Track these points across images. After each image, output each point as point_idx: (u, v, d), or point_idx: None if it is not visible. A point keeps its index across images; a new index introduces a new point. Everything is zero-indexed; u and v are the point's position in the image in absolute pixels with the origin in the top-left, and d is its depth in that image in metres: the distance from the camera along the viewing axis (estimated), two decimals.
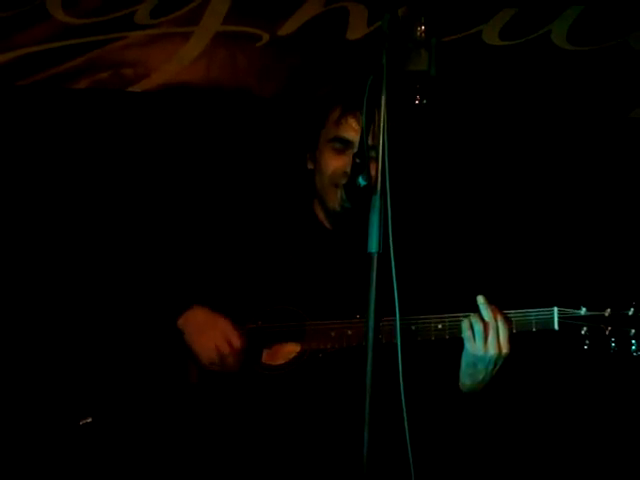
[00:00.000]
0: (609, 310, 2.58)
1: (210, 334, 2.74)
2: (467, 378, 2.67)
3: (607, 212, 3.66)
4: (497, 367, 2.62)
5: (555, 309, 2.60)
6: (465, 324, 2.61)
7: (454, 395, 2.69)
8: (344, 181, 2.67)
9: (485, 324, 2.59)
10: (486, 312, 2.59)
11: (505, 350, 2.59)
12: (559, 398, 3.63)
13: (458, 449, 3.43)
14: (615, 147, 3.69)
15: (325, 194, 2.82)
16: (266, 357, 2.79)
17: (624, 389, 3.56)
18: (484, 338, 2.58)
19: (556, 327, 2.60)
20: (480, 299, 2.61)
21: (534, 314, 2.61)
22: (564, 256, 3.64)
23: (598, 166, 3.69)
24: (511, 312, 2.62)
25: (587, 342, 2.58)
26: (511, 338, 2.60)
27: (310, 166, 2.90)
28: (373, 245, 2.21)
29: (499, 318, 2.59)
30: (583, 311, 2.59)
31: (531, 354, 3.39)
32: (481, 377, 2.64)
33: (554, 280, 3.50)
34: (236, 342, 2.73)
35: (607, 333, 2.57)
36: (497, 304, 2.62)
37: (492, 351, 2.59)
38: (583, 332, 2.58)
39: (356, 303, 2.45)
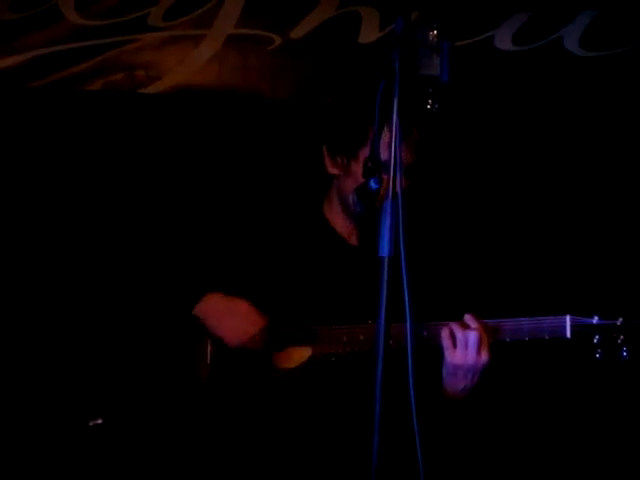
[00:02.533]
0: (621, 319, 2.57)
1: (235, 318, 2.76)
2: (448, 386, 2.68)
3: (621, 220, 3.65)
4: (477, 376, 2.63)
5: (567, 317, 2.60)
6: (444, 333, 2.62)
7: (439, 403, 2.69)
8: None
9: (465, 334, 2.60)
10: (468, 321, 2.61)
11: (485, 359, 2.60)
12: (570, 406, 3.62)
13: (465, 454, 3.42)
14: (630, 154, 3.68)
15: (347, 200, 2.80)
16: (278, 360, 2.79)
17: (636, 398, 3.56)
18: (464, 348, 2.59)
19: (568, 335, 2.60)
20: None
21: (547, 322, 2.61)
22: (577, 264, 3.63)
23: (612, 173, 3.68)
24: (524, 319, 2.62)
25: (599, 351, 2.58)
26: (491, 347, 2.60)
27: (334, 171, 2.84)
28: (384, 249, 2.20)
29: (479, 327, 2.60)
30: (595, 320, 2.59)
31: (543, 362, 3.39)
32: (462, 386, 2.65)
33: (566, 288, 3.49)
34: (260, 321, 2.75)
35: (619, 342, 2.56)
36: (510, 311, 2.63)
37: (471, 361, 2.60)
38: (595, 341, 2.58)
39: (369, 308, 2.45)
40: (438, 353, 2.65)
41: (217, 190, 3.60)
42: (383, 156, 2.60)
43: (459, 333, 2.60)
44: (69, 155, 3.66)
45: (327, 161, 2.85)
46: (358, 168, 2.77)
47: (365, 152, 2.75)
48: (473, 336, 2.59)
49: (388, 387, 2.15)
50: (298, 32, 3.70)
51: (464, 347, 2.60)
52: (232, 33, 3.69)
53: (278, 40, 3.70)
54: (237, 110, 3.70)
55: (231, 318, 2.77)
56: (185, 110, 3.69)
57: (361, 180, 2.73)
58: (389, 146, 2.20)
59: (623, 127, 3.69)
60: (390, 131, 2.19)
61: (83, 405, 3.28)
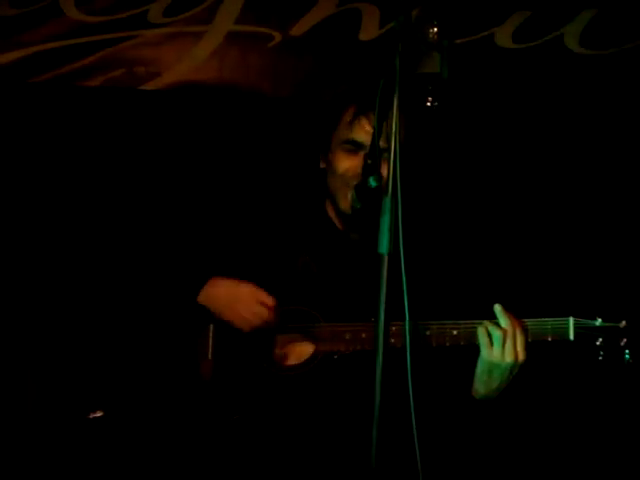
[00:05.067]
0: (624, 322, 2.58)
1: (242, 304, 2.75)
2: (481, 385, 2.67)
3: (624, 223, 3.65)
4: (512, 375, 2.63)
5: (571, 319, 2.60)
6: (482, 330, 2.61)
7: (466, 402, 2.69)
8: (356, 182, 2.66)
9: (503, 331, 2.59)
10: (504, 319, 2.60)
11: (521, 357, 2.60)
12: (573, 408, 3.62)
13: (469, 455, 3.42)
14: (631, 153, 3.68)
15: (337, 195, 2.82)
16: (279, 357, 2.79)
17: (638, 401, 3.55)
18: (502, 345, 2.59)
19: (572, 337, 2.60)
20: (497, 307, 2.62)
21: (550, 324, 2.61)
22: (580, 266, 3.63)
23: (615, 174, 3.67)
24: (527, 321, 2.62)
25: (602, 353, 2.58)
26: (527, 346, 2.60)
27: (323, 165, 2.90)
28: (384, 246, 2.21)
29: (516, 325, 2.60)
30: (598, 322, 2.59)
31: (546, 364, 3.39)
32: (496, 385, 2.65)
33: (570, 290, 3.49)
34: (268, 301, 2.74)
35: (622, 345, 2.57)
36: (513, 312, 2.62)
37: (509, 358, 2.59)
38: (598, 343, 2.58)
39: (371, 305, 2.45)
40: (469, 354, 2.64)
41: (218, 187, 3.60)
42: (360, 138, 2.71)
43: (496, 331, 2.60)
44: (69, 151, 3.66)
45: (320, 158, 2.91)
46: (334, 156, 2.80)
47: (338, 135, 2.78)
48: (510, 333, 2.59)
49: (390, 386, 2.15)
50: (298, 29, 3.70)
51: (501, 345, 2.59)
52: (232, 30, 3.69)
53: (278, 37, 3.70)
54: (237, 107, 3.70)
55: (239, 302, 2.76)
56: (185, 107, 3.69)
57: (338, 169, 2.78)
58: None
59: (624, 126, 3.69)
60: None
61: (83, 397, 3.27)
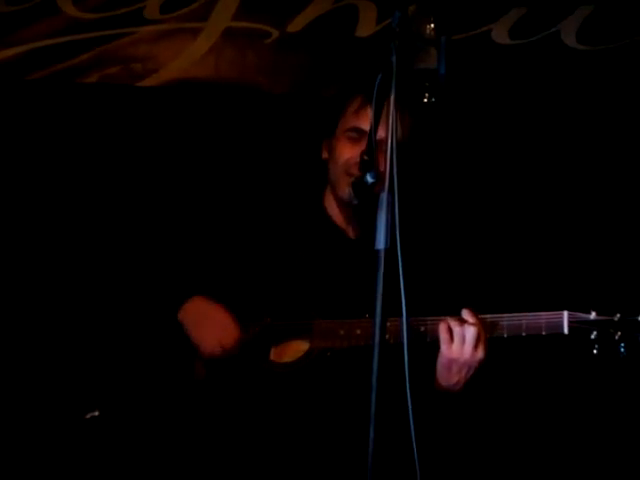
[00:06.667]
0: (619, 315, 2.57)
1: (209, 328, 2.74)
2: (442, 380, 2.68)
3: (618, 216, 3.65)
4: (471, 372, 2.63)
5: (565, 313, 2.60)
6: (442, 326, 2.62)
7: (430, 394, 2.69)
8: (356, 170, 2.64)
9: (463, 328, 2.60)
10: (466, 316, 2.61)
11: (480, 355, 2.60)
12: (567, 402, 3.62)
13: (459, 448, 3.43)
14: (627, 149, 3.68)
15: (337, 183, 2.82)
16: (274, 354, 2.79)
17: (633, 394, 3.56)
18: (461, 342, 2.60)
19: (566, 331, 2.59)
20: (464, 310, 2.62)
21: (544, 317, 2.61)
22: (575, 260, 3.63)
23: (610, 169, 3.67)
24: (521, 315, 2.62)
25: (596, 347, 2.58)
26: (487, 344, 2.61)
27: (325, 155, 2.90)
28: (380, 242, 2.21)
29: (477, 322, 2.60)
30: (593, 315, 2.59)
31: (540, 358, 3.39)
32: (455, 380, 2.65)
33: (564, 284, 3.49)
34: (234, 332, 2.73)
35: (617, 338, 2.56)
36: (507, 306, 2.63)
37: (467, 355, 2.60)
38: (593, 337, 2.58)
39: (365, 302, 2.45)
40: (433, 346, 2.65)
41: (215, 183, 3.60)
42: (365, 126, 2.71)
43: (457, 327, 2.60)
44: (66, 148, 3.66)
45: (323, 149, 2.91)
46: (337, 143, 2.80)
47: (343, 123, 2.79)
48: (471, 331, 2.59)
49: (383, 382, 2.15)
50: (295, 25, 3.70)
51: (461, 341, 2.60)
52: (229, 26, 3.69)
53: (275, 33, 3.70)
54: (234, 103, 3.70)
55: (206, 328, 2.75)
56: (182, 103, 3.69)
57: (340, 157, 2.78)
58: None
59: (620, 121, 3.69)
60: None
61: (80, 398, 3.28)
